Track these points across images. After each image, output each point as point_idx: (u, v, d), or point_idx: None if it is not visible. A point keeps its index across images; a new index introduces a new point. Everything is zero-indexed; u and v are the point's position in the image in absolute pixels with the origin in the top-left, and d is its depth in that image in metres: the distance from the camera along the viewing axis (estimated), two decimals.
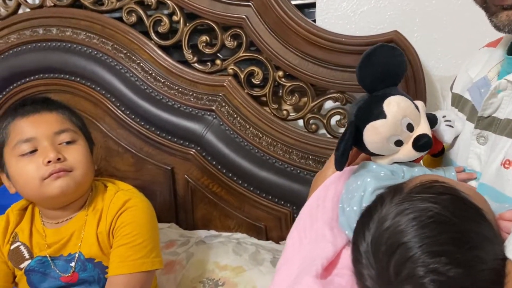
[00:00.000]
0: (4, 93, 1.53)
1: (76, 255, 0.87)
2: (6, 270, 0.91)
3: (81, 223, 0.89)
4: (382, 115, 0.65)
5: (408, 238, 0.52)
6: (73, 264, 0.87)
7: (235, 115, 1.34)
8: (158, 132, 1.41)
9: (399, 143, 0.67)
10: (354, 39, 1.17)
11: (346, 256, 0.63)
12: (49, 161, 0.83)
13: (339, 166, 0.66)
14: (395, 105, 0.66)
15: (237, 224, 1.41)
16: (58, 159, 0.83)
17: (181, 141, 1.40)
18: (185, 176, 1.42)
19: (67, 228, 0.89)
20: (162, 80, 1.38)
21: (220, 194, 1.40)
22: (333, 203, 0.70)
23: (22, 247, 0.89)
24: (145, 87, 1.39)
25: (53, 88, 1.47)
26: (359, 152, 0.75)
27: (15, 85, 1.51)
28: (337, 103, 1.29)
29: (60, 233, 0.89)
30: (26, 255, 0.89)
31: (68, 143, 0.87)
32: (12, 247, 0.90)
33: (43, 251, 0.89)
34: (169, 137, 1.40)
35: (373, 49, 0.65)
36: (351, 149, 0.67)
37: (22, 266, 0.89)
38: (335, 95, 1.26)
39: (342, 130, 1.30)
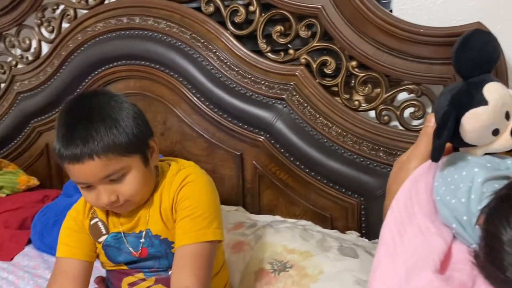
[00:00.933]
0: (89, 77, 1.65)
1: (144, 232, 0.93)
2: (90, 240, 0.98)
3: (149, 203, 0.94)
4: (484, 102, 0.63)
5: None
6: (142, 240, 0.93)
7: (306, 104, 1.35)
8: (230, 119, 1.46)
9: (496, 132, 0.65)
10: (434, 30, 1.15)
11: (457, 251, 0.61)
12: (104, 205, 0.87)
13: (437, 157, 0.64)
14: (495, 91, 0.63)
15: (303, 212, 1.43)
16: (111, 202, 0.86)
17: (251, 128, 1.44)
18: (253, 162, 1.47)
19: (136, 212, 0.95)
20: (236, 69, 1.42)
21: (287, 182, 1.43)
22: (427, 196, 0.68)
23: (99, 223, 0.97)
24: (220, 75, 1.45)
25: (134, 74, 1.57)
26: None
27: (100, 70, 1.62)
28: (411, 95, 1.27)
29: (131, 215, 0.95)
30: (103, 230, 0.96)
31: (119, 177, 0.86)
32: (92, 222, 0.97)
33: (117, 228, 0.96)
34: (240, 124, 1.45)
35: (470, 33, 0.63)
36: (449, 139, 0.65)
37: (100, 240, 0.97)
38: (410, 86, 1.25)
39: (415, 122, 1.28)
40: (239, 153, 1.48)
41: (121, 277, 0.96)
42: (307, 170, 1.38)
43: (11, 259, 1.37)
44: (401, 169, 0.75)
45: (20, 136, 1.83)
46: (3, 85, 1.84)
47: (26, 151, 1.84)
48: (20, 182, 1.68)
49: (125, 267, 0.96)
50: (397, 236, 0.64)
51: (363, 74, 1.30)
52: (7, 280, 1.26)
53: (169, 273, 0.93)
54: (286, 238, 1.22)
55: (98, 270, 1.03)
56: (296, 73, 1.35)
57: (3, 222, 1.48)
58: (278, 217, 1.42)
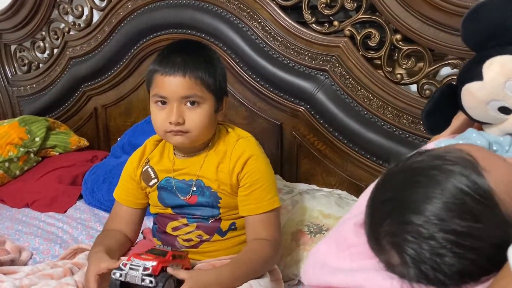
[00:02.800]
0: (138, 45, 1.72)
1: (195, 182, 1.02)
2: (141, 190, 1.09)
3: (201, 161, 1.03)
4: (479, 77, 0.60)
5: None
6: (194, 188, 1.02)
7: (348, 76, 1.38)
8: (271, 89, 1.50)
9: (506, 111, 0.61)
10: None
11: None
12: (171, 122, 0.96)
13: (426, 128, 0.66)
14: (497, 66, 0.59)
15: (339, 182, 1.47)
16: (178, 123, 0.96)
17: (292, 99, 1.48)
18: (293, 131, 1.51)
19: (191, 161, 1.04)
20: (280, 39, 1.45)
21: (325, 152, 1.47)
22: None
23: (149, 169, 1.07)
24: (264, 45, 1.48)
25: None
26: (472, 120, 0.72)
27: (148, 38, 1.69)
28: (455, 70, 1.27)
29: (184, 163, 1.04)
30: (153, 175, 1.06)
31: (193, 104, 0.96)
32: (143, 169, 1.08)
33: (170, 174, 1.05)
34: (281, 94, 1.49)
35: (483, 2, 0.60)
36: (436, 111, 0.64)
37: (151, 184, 1.06)
38: (454, 61, 1.25)
39: None
40: (278, 123, 1.52)
41: (166, 222, 1.06)
42: (346, 141, 1.41)
43: (65, 211, 1.48)
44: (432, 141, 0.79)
45: (71, 100, 1.93)
46: (56, 50, 1.94)
47: (76, 114, 1.94)
48: (71, 142, 1.79)
49: (171, 211, 1.05)
50: None
51: (407, 48, 1.30)
52: (62, 229, 1.37)
53: (210, 222, 1.03)
54: (322, 204, 1.27)
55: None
56: (340, 45, 1.37)
57: (57, 177, 1.60)
58: (314, 186, 1.47)
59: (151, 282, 0.81)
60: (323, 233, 1.16)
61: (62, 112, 1.97)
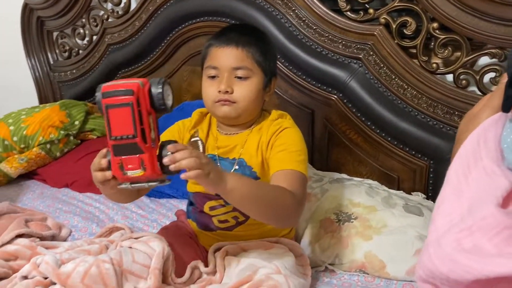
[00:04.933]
0: (174, 32, 1.75)
1: (238, 160, 1.05)
2: None
3: (243, 139, 1.06)
4: None
5: None
6: (236, 167, 1.04)
7: (382, 65, 1.36)
8: (304, 77, 1.50)
9: None
10: None
11: None
12: (220, 91, 1.01)
13: (508, 107, 0.65)
14: None
15: (370, 171, 1.46)
16: (227, 91, 1.01)
17: (324, 87, 1.47)
18: (324, 120, 1.51)
19: (234, 139, 1.07)
20: (314, 27, 1.45)
21: (356, 141, 1.46)
22: (495, 145, 0.70)
23: (199, 142, 1.10)
24: (297, 33, 1.48)
25: (215, 30, 1.64)
26: None
27: (184, 25, 1.72)
28: (493, 60, 1.24)
29: (228, 141, 1.07)
30: (201, 149, 1.09)
31: (241, 77, 1.02)
32: (192, 139, 1.11)
33: (214, 151, 1.08)
34: (314, 82, 1.49)
35: None
36: None
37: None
38: (493, 50, 1.21)
39: (495, 88, 1.25)
40: (310, 111, 1.52)
41: (204, 201, 1.08)
42: (378, 131, 1.40)
43: (101, 192, 1.54)
44: (472, 120, 0.77)
45: None
46: (95, 37, 2.00)
47: None
48: None
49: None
50: (462, 176, 0.67)
51: (444, 36, 1.28)
52: (99, 209, 1.43)
53: None
54: (352, 193, 1.27)
55: None
56: (375, 33, 1.36)
57: None
58: (344, 175, 1.46)
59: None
60: (352, 222, 1.17)
61: None
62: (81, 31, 2.04)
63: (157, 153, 0.77)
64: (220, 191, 0.84)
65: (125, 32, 1.87)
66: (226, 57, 1.01)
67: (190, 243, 1.11)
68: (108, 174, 0.79)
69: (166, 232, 1.11)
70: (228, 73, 1.01)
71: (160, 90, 0.75)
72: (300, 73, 1.50)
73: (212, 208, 1.08)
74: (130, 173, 0.75)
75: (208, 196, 1.08)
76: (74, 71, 2.06)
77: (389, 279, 1.07)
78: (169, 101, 0.78)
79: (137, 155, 0.73)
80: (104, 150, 0.81)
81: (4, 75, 2.23)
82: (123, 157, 0.74)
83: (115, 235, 1.18)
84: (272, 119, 1.07)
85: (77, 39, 2.07)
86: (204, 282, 1.00)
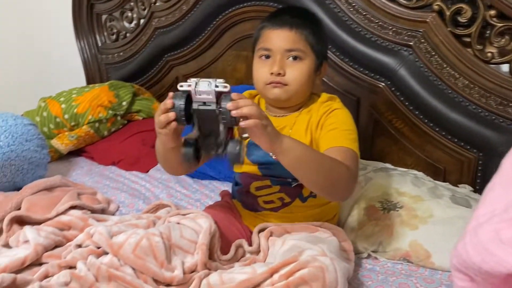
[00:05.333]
0: (220, 16, 1.76)
1: None
2: None
3: (292, 121, 1.07)
4: None
5: None
6: None
7: (433, 53, 1.33)
8: (351, 63, 1.48)
9: None
10: None
11: None
12: (272, 73, 1.01)
13: None
14: None
15: (415, 162, 1.44)
16: (279, 74, 1.01)
17: (372, 74, 1.45)
18: (370, 108, 1.49)
19: (282, 120, 1.08)
20: (364, 13, 1.43)
21: (403, 131, 1.44)
22: None
23: None
24: (346, 18, 1.46)
25: (262, 15, 1.63)
26: None
27: (230, 9, 1.72)
28: None
29: (276, 122, 1.04)
30: None
31: (294, 59, 1.02)
32: None
33: None
34: (361, 69, 1.47)
35: None
36: None
37: (244, 136, 1.07)
38: None
39: None
40: (355, 98, 1.51)
41: (250, 181, 1.10)
42: (426, 121, 1.37)
43: (147, 171, 1.59)
44: None
45: (155, 68, 2.03)
46: (142, 20, 2.04)
47: (158, 82, 2.04)
48: (154, 108, 1.89)
49: (256, 169, 1.08)
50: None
51: (501, 25, 1.23)
52: (145, 187, 1.47)
53: (292, 185, 1.04)
54: (397, 182, 1.25)
55: None
56: (427, 20, 1.32)
57: (141, 140, 1.70)
58: (388, 165, 1.44)
59: (225, 87, 0.78)
60: (397, 210, 1.15)
61: (145, 80, 2.07)
62: (129, 14, 2.08)
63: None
64: (274, 148, 0.85)
65: (172, 16, 1.90)
66: (280, 39, 1.02)
67: (234, 223, 1.13)
68: (172, 114, 0.81)
69: (211, 211, 1.13)
70: (280, 55, 1.02)
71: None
72: (347, 60, 1.49)
73: (258, 189, 1.09)
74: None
75: (254, 177, 1.09)
76: (121, 53, 2.11)
77: (434, 269, 1.05)
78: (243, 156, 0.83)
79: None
80: (171, 93, 0.83)
81: (55, 56, 2.31)
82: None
83: (161, 212, 1.21)
84: (322, 101, 1.07)
85: (125, 22, 2.12)
86: (247, 260, 1.02)
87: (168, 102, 0.82)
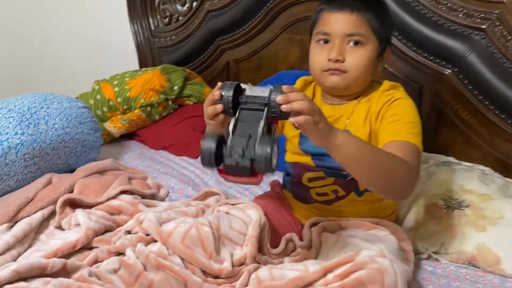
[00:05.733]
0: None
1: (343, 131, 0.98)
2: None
3: (349, 110, 1.00)
4: None
5: None
6: None
7: (509, 37, 1.20)
8: (414, 48, 1.38)
9: None
10: None
11: None
12: (330, 59, 0.94)
13: None
14: None
15: (482, 156, 1.33)
16: (337, 60, 0.94)
17: (438, 60, 1.35)
18: (433, 97, 1.39)
19: (339, 109, 1.01)
20: None
21: (470, 122, 1.33)
22: None
23: None
24: (411, 0, 1.36)
25: None
26: None
27: None
28: None
29: (333, 111, 1.01)
30: None
31: (355, 44, 0.94)
32: None
33: None
34: (425, 55, 1.37)
35: None
36: None
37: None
38: None
39: None
40: (418, 86, 1.41)
41: (303, 171, 1.04)
42: (498, 112, 1.26)
43: (197, 157, 1.57)
44: None
45: (206, 52, 2.00)
46: (195, 3, 2.01)
47: (209, 66, 2.02)
48: (205, 93, 1.87)
49: (310, 160, 1.02)
50: None
51: None
52: (194, 173, 1.45)
53: (348, 178, 0.97)
54: (462, 178, 1.15)
55: None
56: (504, 1, 1.20)
57: (191, 125, 1.69)
58: (451, 158, 1.34)
59: (282, 92, 0.73)
60: (463, 209, 1.06)
61: (197, 64, 2.05)
62: None
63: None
64: (327, 144, 0.78)
65: None
66: (339, 22, 0.95)
67: (284, 215, 1.08)
68: (219, 107, 0.77)
69: (261, 202, 1.08)
70: (340, 40, 0.94)
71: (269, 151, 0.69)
72: (410, 44, 1.39)
73: (311, 180, 1.03)
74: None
75: (307, 167, 1.04)
76: (173, 37, 2.10)
77: (503, 276, 0.96)
78: (274, 162, 0.71)
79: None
80: (219, 83, 0.79)
81: (110, 40, 2.34)
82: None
83: (210, 200, 1.19)
84: (384, 89, 0.99)
85: (177, 5, 2.10)
86: (298, 256, 0.97)
87: (216, 93, 0.78)
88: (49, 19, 2.39)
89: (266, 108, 0.73)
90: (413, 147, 0.89)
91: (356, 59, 0.94)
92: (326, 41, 0.96)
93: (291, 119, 0.74)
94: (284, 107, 0.73)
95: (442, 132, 1.40)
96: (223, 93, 0.76)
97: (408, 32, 1.37)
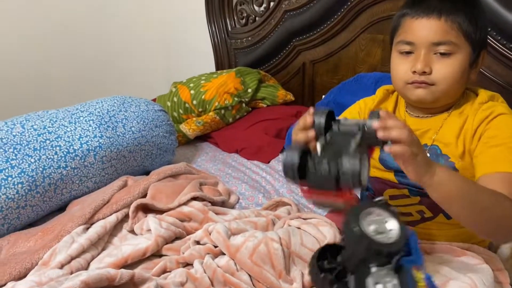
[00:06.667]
0: None
1: (429, 147, 0.88)
2: None
3: (439, 123, 0.89)
4: None
5: None
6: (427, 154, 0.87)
7: None
8: (511, 45, 1.22)
9: None
10: None
11: None
12: (415, 71, 0.84)
13: None
14: None
15: None
16: (424, 72, 0.83)
17: None
18: None
19: (426, 123, 0.91)
20: None
21: None
22: None
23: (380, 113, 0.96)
24: None
25: None
26: None
27: None
28: None
29: (419, 124, 0.91)
30: None
31: (443, 54, 0.83)
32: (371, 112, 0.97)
33: None
34: None
35: None
36: None
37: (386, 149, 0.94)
38: None
39: None
40: None
41: (384, 187, 0.96)
42: None
43: (268, 162, 1.53)
44: None
45: (282, 53, 1.95)
46: (272, 3, 1.97)
47: (285, 68, 1.97)
48: (279, 95, 1.82)
49: (392, 177, 0.93)
50: None
51: None
52: (265, 179, 1.41)
53: None
54: None
55: None
56: None
57: (263, 129, 1.65)
58: None
59: (379, 118, 0.66)
60: None
61: (272, 65, 2.02)
62: None
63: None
64: (424, 180, 0.69)
65: None
66: (425, 30, 0.83)
67: None
68: (311, 134, 0.70)
69: (335, 217, 1.01)
70: (426, 50, 0.83)
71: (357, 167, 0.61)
72: (508, 42, 1.22)
73: (392, 197, 0.94)
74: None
75: (388, 183, 0.95)
76: (250, 38, 2.08)
77: None
78: (364, 177, 0.63)
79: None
80: (311, 109, 0.72)
81: (187, 40, 2.38)
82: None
83: (281, 210, 1.14)
84: (481, 101, 0.86)
85: (255, 6, 2.07)
86: None
87: (309, 119, 0.71)
88: (127, 22, 2.49)
89: (360, 132, 0.67)
90: None
91: (446, 70, 0.83)
92: (408, 53, 0.85)
93: (387, 148, 0.66)
94: (381, 135, 0.65)
95: None
96: (315, 119, 0.71)
97: (508, 30, 1.21)
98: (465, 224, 0.76)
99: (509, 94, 1.24)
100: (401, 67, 0.87)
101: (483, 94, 0.88)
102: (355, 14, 1.63)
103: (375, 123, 0.66)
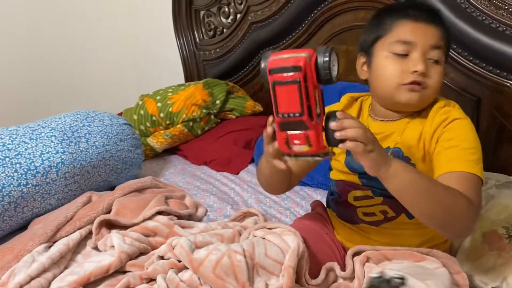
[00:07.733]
0: (318, 9, 1.65)
1: (392, 150, 0.91)
2: None
3: (402, 127, 0.92)
4: None
5: None
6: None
7: None
8: (471, 58, 1.27)
9: None
10: None
11: None
12: (415, 71, 0.86)
13: None
14: None
15: None
16: (423, 73, 0.86)
17: (498, 71, 1.23)
18: (493, 110, 1.27)
19: (390, 126, 0.93)
20: None
21: None
22: None
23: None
24: (467, 5, 1.25)
25: (365, 5, 1.49)
26: None
27: (330, 0, 1.59)
28: None
29: (382, 127, 0.93)
30: None
31: (435, 62, 0.88)
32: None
33: None
34: (484, 65, 1.26)
35: None
36: None
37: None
38: None
39: None
40: (475, 99, 1.29)
41: (348, 190, 0.97)
42: None
43: (237, 173, 1.53)
44: None
45: (250, 64, 1.97)
46: (239, 15, 1.99)
47: (253, 79, 1.99)
48: (247, 106, 1.83)
49: (357, 179, 0.95)
50: None
51: None
52: (234, 190, 1.41)
53: None
54: None
55: None
56: None
57: (232, 140, 1.66)
58: None
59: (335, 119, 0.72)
60: None
61: (241, 76, 2.03)
62: (226, 9, 2.04)
63: (322, 125, 0.72)
64: (380, 173, 0.74)
65: (269, 10, 1.82)
66: (426, 32, 0.87)
67: (325, 240, 1.01)
68: (275, 144, 0.76)
69: (301, 225, 1.02)
70: (423, 52, 0.86)
71: (327, 59, 0.68)
72: (466, 54, 1.28)
73: (357, 198, 0.96)
74: (296, 148, 0.73)
75: (353, 185, 0.97)
76: (218, 50, 2.09)
77: None
78: (335, 72, 0.70)
79: (303, 131, 0.71)
80: (270, 118, 0.77)
81: (155, 53, 2.37)
82: (289, 132, 0.72)
83: (248, 221, 1.14)
84: (439, 107, 0.90)
85: (222, 18, 2.09)
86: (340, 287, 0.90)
87: (269, 130, 0.77)
88: (95, 34, 2.47)
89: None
90: (473, 179, 0.81)
91: (437, 77, 0.88)
92: (403, 55, 0.87)
93: (341, 145, 0.72)
94: (338, 135, 0.71)
95: (503, 149, 1.27)
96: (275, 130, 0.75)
97: (464, 41, 1.27)
98: (421, 218, 0.79)
99: (465, 99, 1.29)
100: (396, 67, 0.88)
101: (441, 100, 0.92)
102: (318, 25, 1.66)
103: (332, 124, 0.71)
